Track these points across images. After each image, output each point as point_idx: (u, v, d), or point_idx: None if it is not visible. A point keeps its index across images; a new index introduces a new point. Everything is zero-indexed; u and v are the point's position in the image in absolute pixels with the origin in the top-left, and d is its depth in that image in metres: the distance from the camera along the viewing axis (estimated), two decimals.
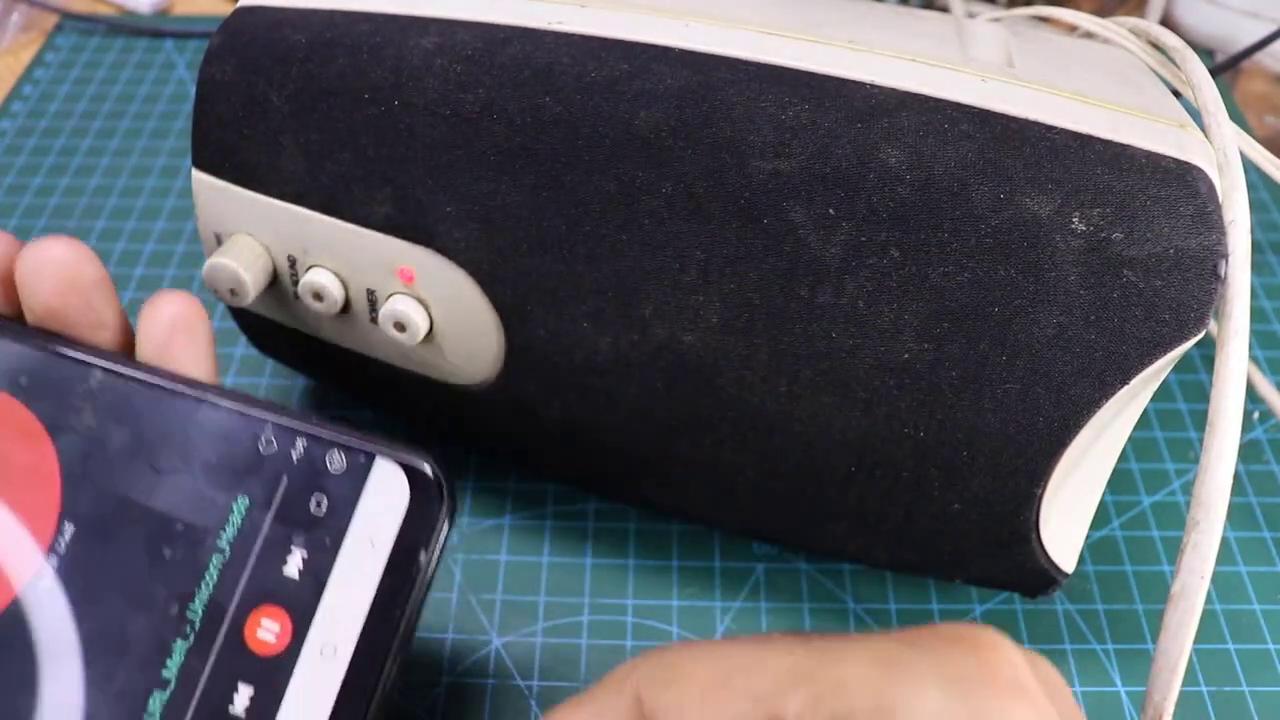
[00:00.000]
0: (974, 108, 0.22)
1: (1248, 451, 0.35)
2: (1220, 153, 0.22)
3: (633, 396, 0.25)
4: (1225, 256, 0.21)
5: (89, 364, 0.21)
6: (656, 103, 0.23)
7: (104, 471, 0.20)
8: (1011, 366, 0.22)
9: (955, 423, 0.23)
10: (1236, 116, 0.47)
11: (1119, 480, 0.34)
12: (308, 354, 0.31)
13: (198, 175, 0.27)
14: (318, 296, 0.27)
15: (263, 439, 0.21)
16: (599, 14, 0.24)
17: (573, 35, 0.24)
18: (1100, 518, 0.33)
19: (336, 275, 0.27)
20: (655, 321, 0.24)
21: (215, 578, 0.20)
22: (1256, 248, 0.41)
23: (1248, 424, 0.35)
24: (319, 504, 0.20)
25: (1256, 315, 0.39)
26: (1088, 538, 0.32)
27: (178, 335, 0.22)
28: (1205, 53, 0.51)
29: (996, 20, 0.34)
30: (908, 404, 0.23)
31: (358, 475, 0.20)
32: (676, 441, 0.26)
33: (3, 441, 0.21)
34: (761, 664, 0.17)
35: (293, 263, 0.27)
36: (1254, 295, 0.40)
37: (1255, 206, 0.43)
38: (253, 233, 0.27)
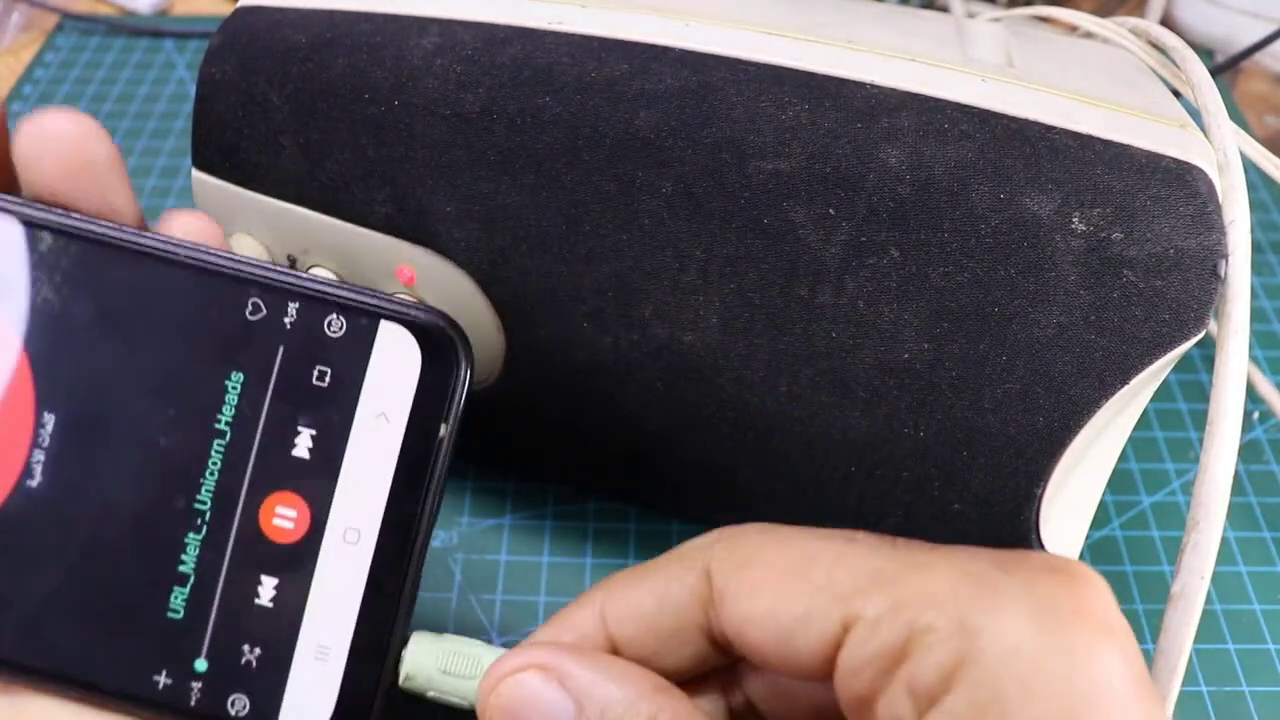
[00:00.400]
0: (974, 108, 0.22)
1: (1248, 451, 0.35)
2: (1220, 153, 0.22)
3: (633, 396, 0.25)
4: (1225, 256, 0.21)
5: (42, 224, 0.18)
6: (656, 103, 0.23)
7: (77, 353, 0.18)
8: (1011, 366, 0.22)
9: (955, 423, 0.23)
10: (1236, 116, 0.47)
11: (1119, 480, 0.34)
12: None
13: (198, 175, 0.27)
14: None
15: (250, 305, 0.19)
16: (599, 14, 0.24)
17: (573, 35, 0.24)
18: (1100, 518, 0.33)
19: (337, 275, 0.27)
20: (655, 321, 0.24)
21: (220, 464, 0.18)
22: (1256, 248, 0.41)
23: (1248, 424, 0.35)
24: (322, 375, 0.18)
25: (1256, 315, 0.39)
26: (1088, 538, 0.32)
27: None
28: (1205, 53, 0.51)
29: (996, 20, 0.34)
30: (908, 404, 0.23)
31: (362, 340, 0.19)
32: (676, 441, 0.26)
33: None
34: (844, 560, 0.17)
35: (293, 262, 0.27)
36: (1254, 295, 0.40)
37: (1255, 206, 0.43)
38: (253, 232, 0.27)
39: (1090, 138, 0.22)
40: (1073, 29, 0.39)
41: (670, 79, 0.23)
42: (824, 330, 0.23)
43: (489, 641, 0.20)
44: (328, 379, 0.18)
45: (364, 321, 0.19)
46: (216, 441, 0.18)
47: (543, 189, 0.23)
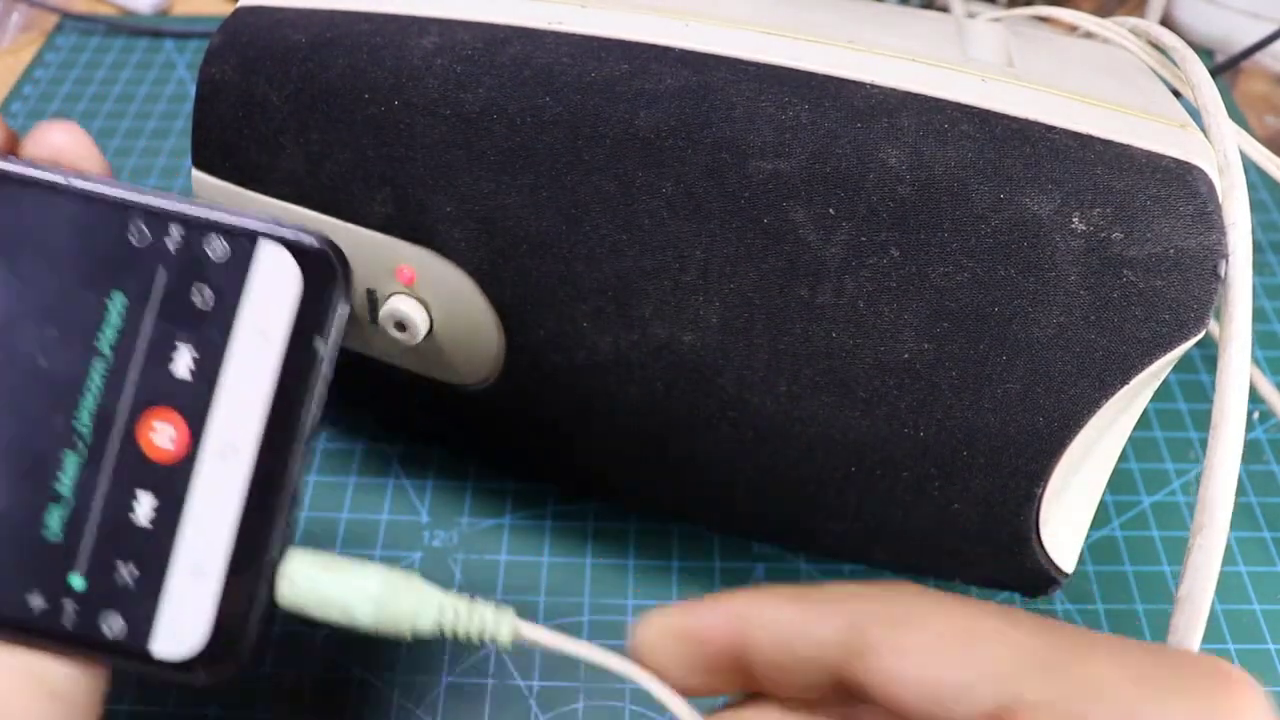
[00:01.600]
0: (974, 108, 0.22)
1: (1248, 451, 0.35)
2: (1220, 153, 0.22)
3: (633, 396, 0.25)
4: (1225, 256, 0.21)
5: None
6: (656, 103, 0.23)
7: None
8: (1011, 366, 0.22)
9: (955, 422, 0.23)
10: (1236, 116, 0.47)
11: (1119, 480, 0.34)
12: None
13: (198, 175, 0.27)
14: None
15: (132, 229, 0.19)
16: (599, 14, 0.24)
17: (573, 35, 0.24)
18: (1100, 518, 0.33)
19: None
20: (655, 321, 0.24)
21: (99, 384, 0.19)
22: (1256, 248, 0.41)
23: (1248, 424, 0.35)
24: (202, 296, 0.19)
25: (1257, 315, 0.39)
26: (1088, 538, 0.32)
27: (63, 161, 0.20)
28: (1205, 53, 0.51)
29: (996, 20, 0.34)
30: (908, 404, 0.23)
31: (241, 261, 0.19)
32: (676, 442, 0.26)
33: None
34: (1005, 637, 0.16)
35: None
36: (1254, 295, 0.40)
37: (1255, 206, 0.43)
38: None
39: (1090, 138, 0.22)
40: (1073, 29, 0.39)
41: (670, 79, 0.23)
42: (824, 330, 0.23)
43: None
44: (207, 298, 0.19)
45: (243, 242, 0.19)
46: (96, 361, 0.19)
47: (543, 189, 0.23)
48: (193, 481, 0.19)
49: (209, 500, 0.19)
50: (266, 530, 0.19)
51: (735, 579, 0.31)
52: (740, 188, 0.22)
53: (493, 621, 0.20)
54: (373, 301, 0.27)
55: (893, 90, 0.23)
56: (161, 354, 0.19)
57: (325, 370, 0.19)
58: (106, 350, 0.19)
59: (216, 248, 0.19)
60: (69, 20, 0.52)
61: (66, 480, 0.19)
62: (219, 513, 0.19)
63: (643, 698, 0.28)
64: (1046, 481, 0.24)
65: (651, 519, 0.32)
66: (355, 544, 0.31)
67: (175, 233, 0.19)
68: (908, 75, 0.23)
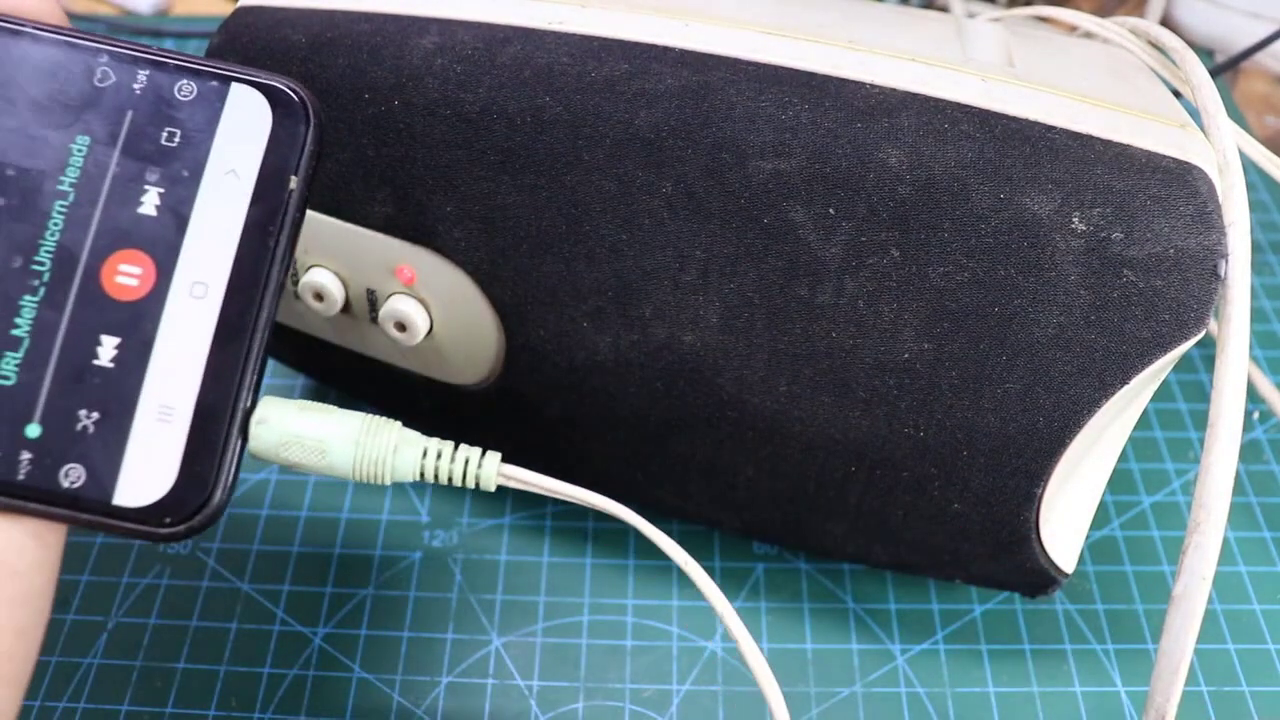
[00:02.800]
0: (974, 108, 0.22)
1: (1248, 451, 0.35)
2: (1220, 153, 0.22)
3: (632, 396, 0.25)
4: (1225, 256, 0.21)
5: None
6: (656, 103, 0.23)
7: None
8: (1011, 366, 0.22)
9: (955, 422, 0.23)
10: (1236, 116, 0.47)
11: (1119, 480, 0.34)
12: (307, 354, 0.31)
13: None
14: (318, 296, 0.27)
15: (98, 72, 0.18)
16: (599, 14, 0.24)
17: (573, 35, 0.24)
18: (1100, 518, 0.33)
19: (336, 275, 0.27)
20: (655, 321, 0.24)
21: (61, 224, 0.18)
22: (1256, 248, 0.41)
23: (1248, 424, 0.35)
24: (171, 136, 0.18)
25: (1256, 315, 0.39)
26: (1088, 538, 0.32)
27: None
28: (1205, 53, 0.51)
29: (996, 20, 0.34)
30: (908, 404, 0.23)
31: (212, 102, 0.18)
32: (676, 441, 0.26)
33: None
34: None
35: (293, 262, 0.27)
36: (1254, 295, 0.40)
37: (1255, 206, 0.43)
38: None
39: (1090, 138, 0.22)
40: (1073, 29, 0.39)
41: (670, 79, 0.23)
42: (824, 330, 0.23)
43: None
44: (177, 139, 0.18)
45: (215, 84, 0.19)
46: (58, 203, 0.18)
47: (543, 189, 0.23)
48: (159, 321, 0.18)
49: (176, 340, 0.18)
50: (239, 371, 0.18)
51: (735, 579, 0.31)
52: (740, 188, 0.22)
53: (476, 462, 0.20)
54: (373, 301, 0.27)
55: (893, 90, 0.23)
56: (128, 193, 0.18)
57: (296, 209, 0.19)
58: (69, 190, 0.18)
59: (187, 90, 0.19)
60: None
61: (23, 323, 0.18)
62: (187, 353, 0.18)
63: (643, 698, 0.28)
64: (1046, 481, 0.24)
65: (652, 519, 0.32)
66: (355, 544, 0.32)
67: (143, 77, 0.18)
68: (908, 75, 0.23)
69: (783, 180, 0.22)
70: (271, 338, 0.19)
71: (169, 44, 0.51)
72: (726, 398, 0.24)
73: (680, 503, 0.28)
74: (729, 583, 0.31)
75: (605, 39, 0.24)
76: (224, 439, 0.18)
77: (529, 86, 0.23)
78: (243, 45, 0.25)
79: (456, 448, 0.21)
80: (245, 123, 0.19)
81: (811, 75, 0.23)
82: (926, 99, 0.22)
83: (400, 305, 0.26)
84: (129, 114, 0.18)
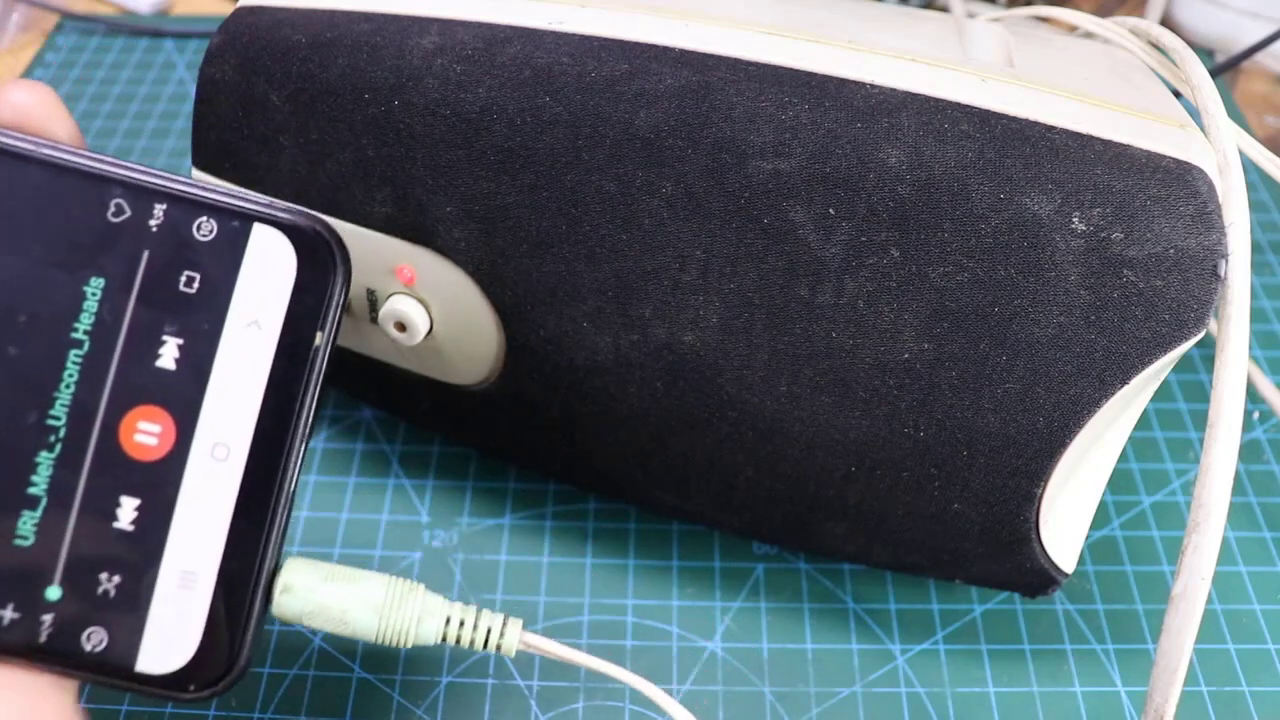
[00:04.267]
0: (974, 108, 0.22)
1: (1248, 451, 0.35)
2: (1220, 153, 0.22)
3: (632, 396, 0.25)
4: (1225, 256, 0.21)
5: None
6: (656, 103, 0.23)
7: None
8: (1011, 366, 0.22)
9: (955, 422, 0.23)
10: (1236, 116, 0.47)
11: (1119, 480, 0.34)
12: None
13: (198, 175, 0.27)
14: None
15: (112, 205, 0.17)
16: (599, 14, 0.24)
17: (573, 35, 0.24)
18: (1100, 518, 0.33)
19: None
20: (655, 321, 0.24)
21: (76, 375, 0.17)
22: (1256, 248, 0.41)
23: (1248, 424, 0.35)
24: (190, 281, 0.17)
25: (1256, 315, 0.39)
26: (1088, 538, 0.32)
27: (29, 125, 0.18)
28: (1205, 53, 0.51)
29: (996, 20, 0.34)
30: (908, 404, 0.23)
31: (234, 244, 0.17)
32: (676, 441, 0.26)
33: None
34: None
35: None
36: (1254, 295, 0.40)
37: (1255, 206, 0.43)
38: None
39: (1090, 138, 0.22)
40: (1073, 29, 0.39)
41: (670, 79, 0.23)
42: (824, 330, 0.23)
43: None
44: (196, 284, 0.17)
45: (236, 224, 0.17)
46: (73, 352, 0.17)
47: (543, 189, 0.23)
48: (181, 483, 0.17)
49: (198, 503, 0.17)
50: (262, 536, 0.17)
51: (735, 579, 0.31)
52: (740, 188, 0.22)
53: (498, 631, 0.19)
54: (373, 301, 0.27)
55: (893, 90, 0.23)
56: (146, 344, 0.17)
57: (322, 365, 0.18)
58: (84, 339, 0.17)
59: (207, 230, 0.17)
60: (69, 20, 0.52)
61: (40, 481, 0.17)
62: (210, 517, 0.17)
63: (643, 699, 0.28)
64: (1046, 481, 0.24)
65: (651, 519, 0.32)
66: (355, 544, 0.32)
67: (161, 212, 0.17)
68: (908, 75, 0.23)
69: (783, 180, 0.22)
70: (296, 489, 0.18)
71: (169, 44, 0.51)
72: (726, 398, 0.24)
73: (680, 503, 0.28)
74: (729, 583, 0.31)
75: (605, 39, 0.24)
76: (247, 608, 0.18)
77: (529, 86, 0.23)
78: (243, 45, 0.25)
79: (479, 613, 0.20)
80: (269, 268, 0.17)
81: (811, 75, 0.23)
82: (926, 99, 0.22)
83: (400, 305, 0.26)
84: (145, 254, 0.17)
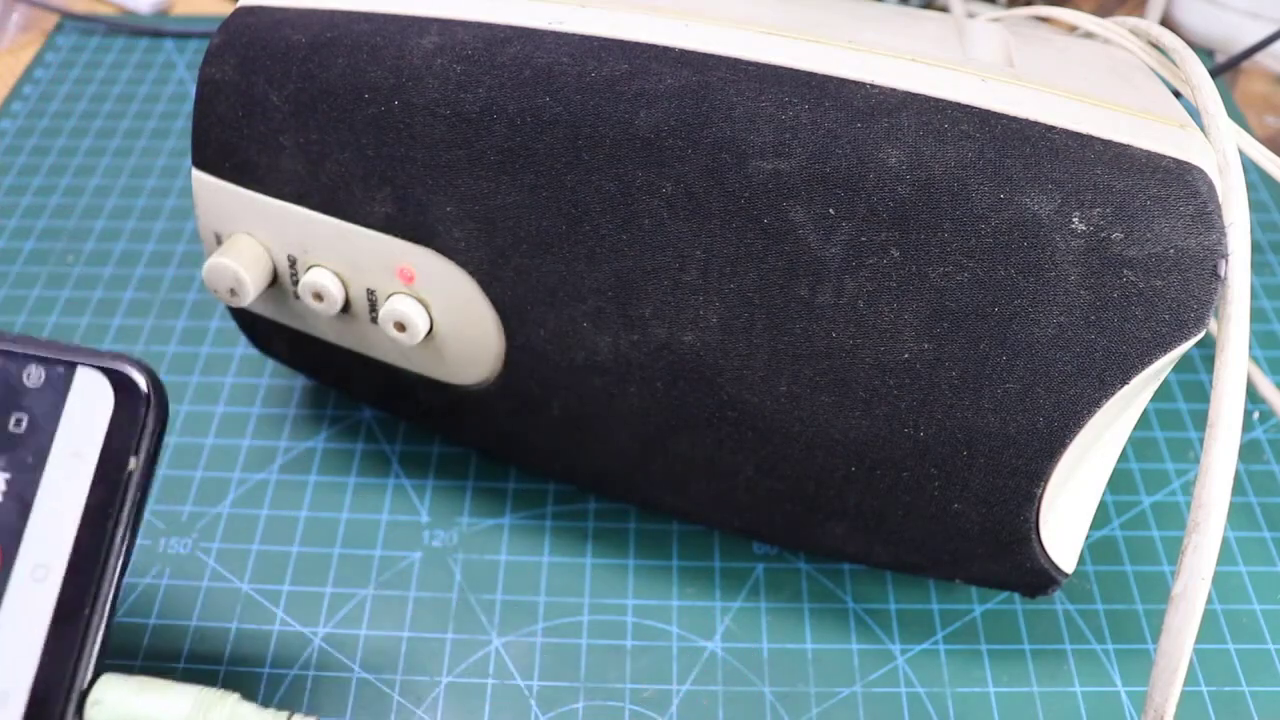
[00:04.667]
0: (974, 108, 0.22)
1: (1248, 451, 0.35)
2: (1220, 153, 0.22)
3: (632, 396, 0.25)
4: (1225, 256, 0.21)
5: None
6: (656, 103, 0.23)
7: None
8: (1011, 366, 0.22)
9: (955, 422, 0.23)
10: (1236, 116, 0.47)
11: (1119, 480, 0.34)
12: (308, 354, 0.31)
13: (198, 175, 0.27)
14: (318, 296, 0.27)
15: None
16: (599, 14, 0.24)
17: (573, 35, 0.24)
18: (1100, 518, 0.33)
19: (336, 275, 0.27)
20: (655, 321, 0.24)
21: None
22: (1256, 248, 0.41)
23: (1248, 424, 0.35)
24: (19, 422, 0.18)
25: (1256, 315, 0.39)
26: (1088, 538, 0.32)
27: None
28: (1205, 53, 0.51)
29: (996, 20, 0.34)
30: (908, 404, 0.23)
31: (59, 387, 0.19)
32: (676, 441, 0.26)
33: None
34: None
35: (293, 262, 0.27)
36: (1254, 295, 0.40)
37: (1255, 206, 0.43)
38: (253, 232, 0.27)
39: (1090, 137, 0.22)
40: (1073, 29, 0.39)
41: (670, 79, 0.23)
42: (824, 330, 0.23)
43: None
44: (24, 425, 0.19)
45: (61, 370, 0.19)
46: None
47: (542, 189, 0.23)
48: (1, 603, 0.18)
49: (15, 624, 0.18)
50: (75, 652, 0.18)
51: (735, 579, 0.31)
52: (740, 188, 0.22)
53: None
54: (373, 301, 0.27)
55: (892, 90, 0.23)
56: None
57: (137, 488, 0.19)
58: None
59: (35, 377, 0.19)
60: (69, 20, 0.52)
61: None
62: (25, 636, 0.18)
63: (643, 698, 0.28)
64: (1046, 481, 0.24)
65: (651, 519, 0.32)
66: (355, 544, 0.32)
67: None
68: (907, 75, 0.23)
69: (783, 180, 0.22)
70: (114, 612, 0.19)
71: (169, 44, 0.51)
72: (726, 398, 0.24)
73: (680, 503, 0.28)
74: (729, 583, 0.31)
75: (605, 39, 0.24)
76: None
77: (529, 86, 0.23)
78: (243, 45, 0.25)
79: (290, 716, 0.21)
80: (89, 405, 0.19)
81: (811, 75, 0.23)
82: (926, 99, 0.22)
83: (400, 305, 0.26)
84: None
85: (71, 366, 0.19)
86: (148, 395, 0.19)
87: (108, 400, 0.19)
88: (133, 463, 0.19)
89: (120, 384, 0.19)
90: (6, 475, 0.18)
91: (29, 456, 0.18)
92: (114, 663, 0.29)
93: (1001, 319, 0.22)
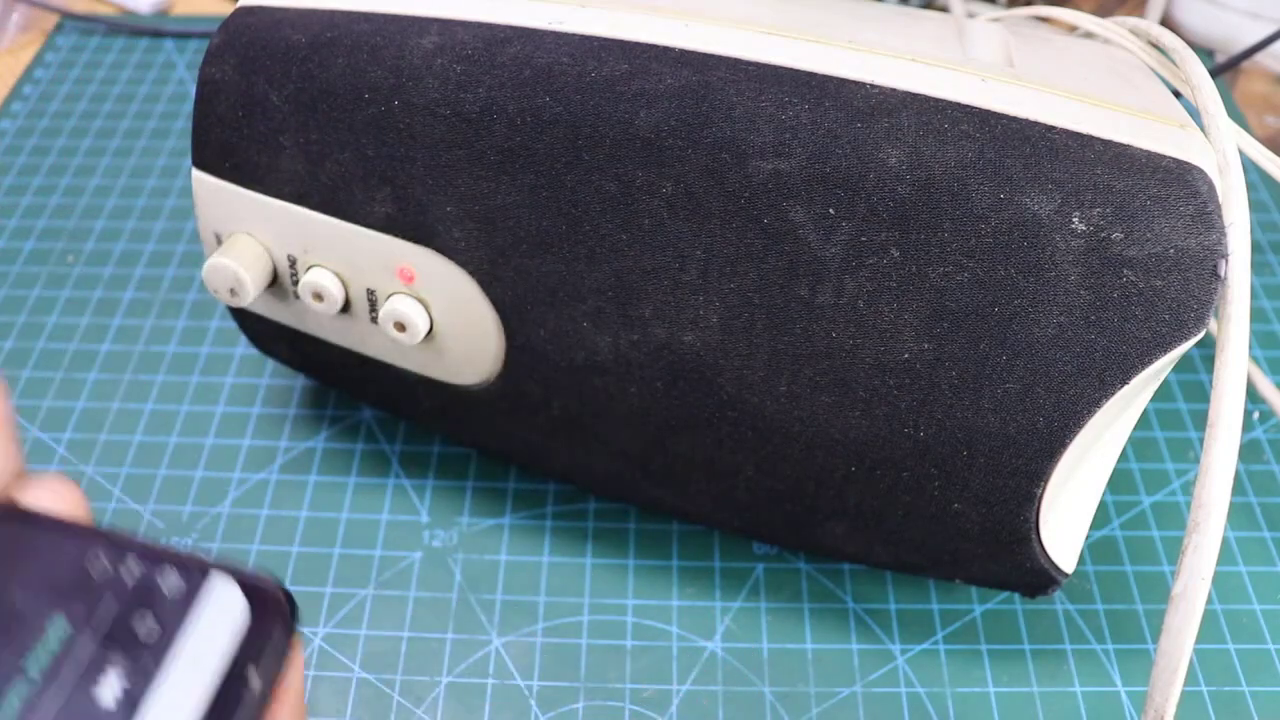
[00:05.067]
0: (974, 108, 0.22)
1: (1248, 451, 0.35)
2: (1220, 153, 0.22)
3: (632, 396, 0.25)
4: (1225, 256, 0.21)
5: None
6: (656, 103, 0.23)
7: None
8: (1011, 366, 0.22)
9: (955, 422, 0.23)
10: (1236, 117, 0.47)
11: (1119, 480, 0.34)
12: (308, 354, 0.31)
13: (198, 175, 0.27)
14: (318, 296, 0.27)
15: (88, 556, 0.19)
16: (599, 14, 0.24)
17: (573, 35, 0.24)
18: (1100, 518, 0.33)
19: (336, 275, 0.27)
20: (655, 321, 0.24)
21: (16, 706, 0.18)
22: (1256, 248, 0.41)
23: (1248, 424, 0.35)
24: (146, 625, 0.19)
25: (1256, 315, 0.39)
26: (1088, 538, 0.32)
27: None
28: (1205, 53, 0.51)
29: (996, 20, 0.34)
30: (907, 404, 0.23)
31: (191, 592, 0.19)
32: (676, 441, 0.26)
33: None
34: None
35: (293, 262, 0.27)
36: (1254, 295, 0.40)
37: (1255, 206, 0.43)
38: (253, 232, 0.27)
39: (1090, 137, 0.22)
40: (1073, 29, 0.39)
41: (670, 79, 0.23)
42: (824, 330, 0.23)
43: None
44: (151, 628, 0.19)
45: (196, 577, 0.19)
46: (19, 682, 0.18)
47: (542, 189, 0.23)
48: None
49: None
50: None
51: (735, 579, 0.31)
52: (740, 188, 0.22)
53: None
54: (373, 301, 0.27)
55: (893, 90, 0.23)
56: (91, 679, 0.18)
57: (256, 700, 0.19)
58: (34, 673, 0.18)
59: (170, 581, 0.19)
60: (69, 20, 0.52)
61: None
62: None
63: (643, 698, 0.28)
64: (1046, 481, 0.24)
65: (651, 519, 0.32)
66: (355, 544, 0.32)
67: (132, 563, 0.19)
68: (908, 75, 0.23)
69: (783, 180, 0.22)
70: None
71: (169, 44, 0.51)
72: (726, 398, 0.24)
73: (680, 503, 0.28)
74: (729, 583, 0.31)
75: (605, 39, 0.24)
76: None
77: (529, 86, 0.23)
78: (243, 45, 0.25)
79: None
80: (218, 614, 0.19)
81: (811, 75, 0.23)
82: (926, 99, 0.22)
83: (400, 305, 0.26)
84: (109, 599, 0.19)
85: (205, 574, 0.19)
86: (282, 610, 0.19)
87: (240, 612, 0.19)
88: (255, 676, 0.19)
89: (254, 597, 0.19)
90: (124, 677, 0.18)
91: (151, 661, 0.19)
92: None
93: (1001, 319, 0.22)
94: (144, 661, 0.19)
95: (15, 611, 0.18)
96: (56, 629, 0.18)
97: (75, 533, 0.19)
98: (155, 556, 0.19)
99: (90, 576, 0.19)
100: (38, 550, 0.19)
